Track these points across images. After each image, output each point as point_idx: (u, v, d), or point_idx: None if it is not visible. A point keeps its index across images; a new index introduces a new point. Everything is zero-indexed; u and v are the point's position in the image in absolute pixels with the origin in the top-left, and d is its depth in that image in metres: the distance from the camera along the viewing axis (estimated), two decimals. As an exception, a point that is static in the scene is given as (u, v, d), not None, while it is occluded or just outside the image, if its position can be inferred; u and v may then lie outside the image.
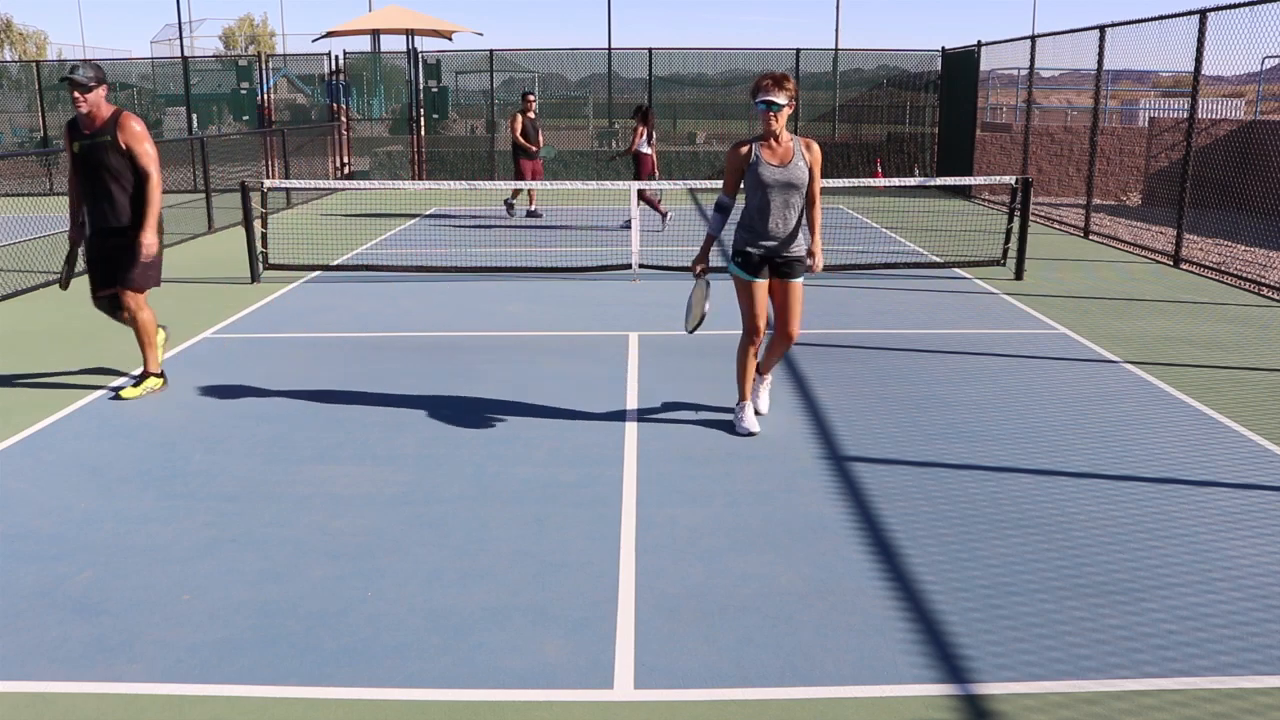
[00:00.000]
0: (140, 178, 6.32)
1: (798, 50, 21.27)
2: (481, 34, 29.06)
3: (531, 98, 15.39)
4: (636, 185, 11.28)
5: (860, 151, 21.34)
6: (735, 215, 5.67)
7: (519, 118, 15.05)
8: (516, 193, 15.75)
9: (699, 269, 5.67)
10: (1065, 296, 9.54)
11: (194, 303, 9.45)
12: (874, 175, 19.98)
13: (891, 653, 3.52)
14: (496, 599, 3.90)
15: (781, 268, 5.61)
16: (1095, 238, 13.44)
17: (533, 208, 15.75)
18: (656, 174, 14.49)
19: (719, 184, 10.87)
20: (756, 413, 5.96)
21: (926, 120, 21.37)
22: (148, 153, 6.31)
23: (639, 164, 14.05)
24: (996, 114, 23.34)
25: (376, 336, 8.10)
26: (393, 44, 30.38)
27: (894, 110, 21.88)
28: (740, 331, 5.78)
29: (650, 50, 21.50)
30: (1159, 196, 16.13)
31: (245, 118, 22.85)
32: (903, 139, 21.47)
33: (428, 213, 16.33)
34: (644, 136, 13.96)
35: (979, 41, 18.20)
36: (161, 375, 6.65)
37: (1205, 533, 4.44)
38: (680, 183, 11.18)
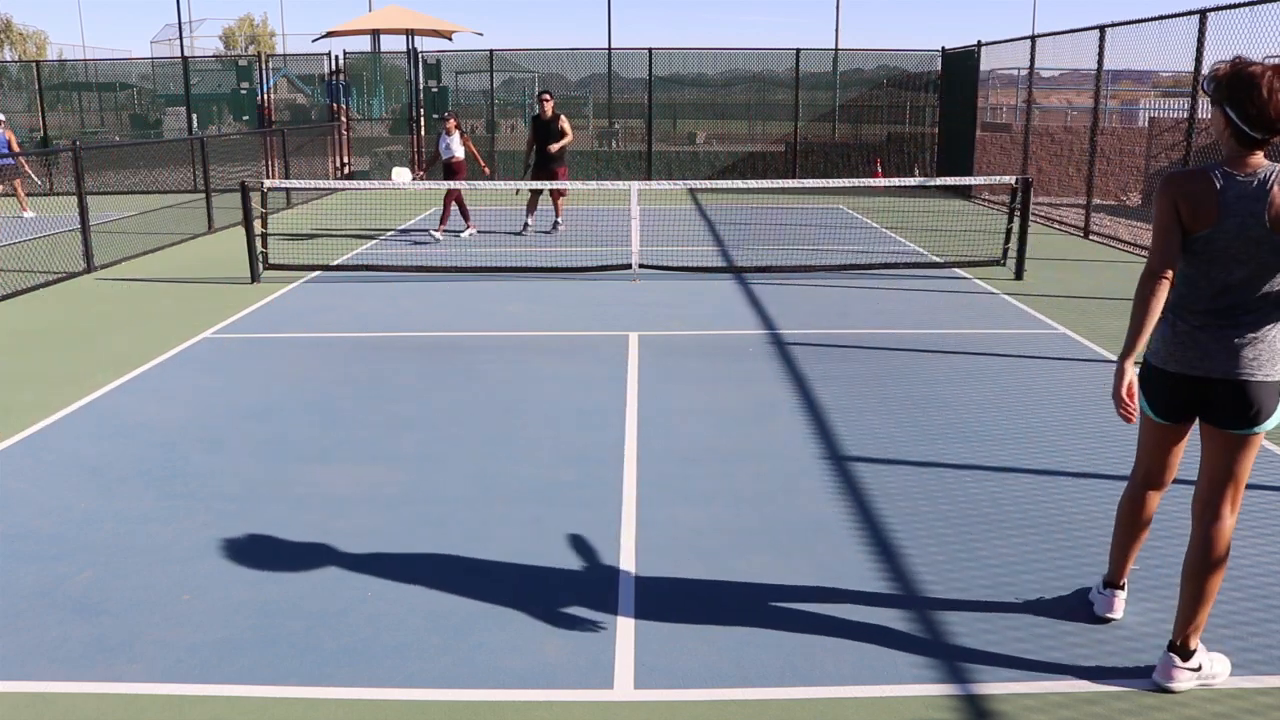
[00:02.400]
0: None
1: (798, 50, 21.26)
2: (481, 34, 29.08)
3: (547, 97, 13.66)
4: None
5: (860, 151, 21.33)
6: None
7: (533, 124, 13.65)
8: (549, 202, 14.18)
9: None
10: (1065, 296, 9.54)
11: (194, 303, 9.45)
12: (874, 175, 19.98)
13: (891, 653, 3.51)
14: (496, 599, 3.90)
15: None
16: (1095, 238, 13.44)
17: (529, 220, 14.11)
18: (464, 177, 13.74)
19: (721, 183, 11.00)
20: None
21: (926, 120, 21.36)
22: None
23: (455, 168, 13.57)
24: (996, 114, 23.33)
25: (376, 336, 8.10)
26: (393, 44, 30.40)
27: (894, 110, 21.88)
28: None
29: (650, 50, 21.49)
30: (1159, 197, 16.09)
31: (245, 118, 22.84)
32: (903, 139, 21.46)
33: (428, 213, 16.32)
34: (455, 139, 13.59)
35: (979, 41, 18.19)
36: None
37: (1205, 533, 4.43)
38: (680, 183, 11.18)
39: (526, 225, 14.06)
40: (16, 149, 17.15)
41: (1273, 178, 3.03)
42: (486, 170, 14.32)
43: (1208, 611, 3.27)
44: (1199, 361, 3.18)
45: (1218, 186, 3.07)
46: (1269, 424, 3.17)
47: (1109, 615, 3.72)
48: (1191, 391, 3.23)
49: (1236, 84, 2.98)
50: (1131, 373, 3.22)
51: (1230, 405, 3.17)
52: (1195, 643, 3.29)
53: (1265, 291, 3.10)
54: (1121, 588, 3.75)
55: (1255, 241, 3.04)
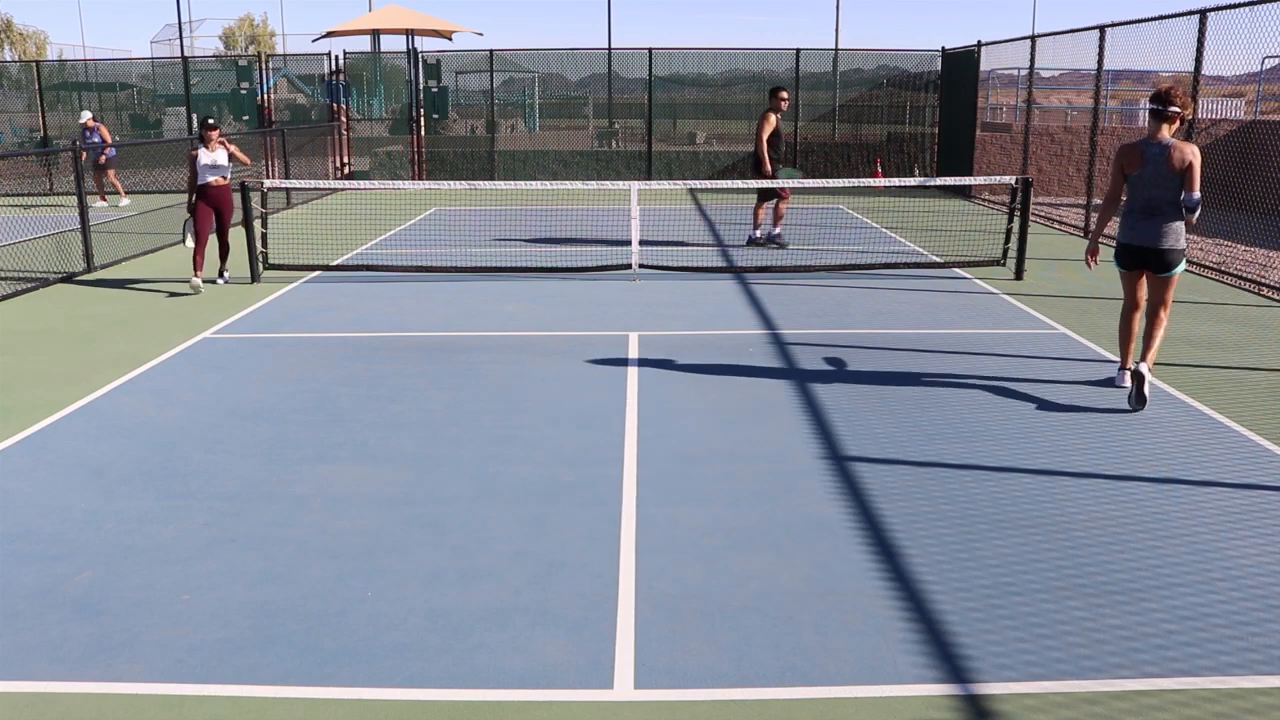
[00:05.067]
0: None
1: (798, 50, 21.26)
2: (481, 34, 29.07)
3: (785, 94, 12.16)
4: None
5: (860, 151, 21.33)
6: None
7: (772, 119, 11.94)
8: (762, 217, 12.54)
9: None
10: (1065, 296, 9.54)
11: (194, 303, 9.44)
12: (874, 175, 19.97)
13: (892, 653, 3.51)
14: (496, 599, 3.90)
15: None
16: (1095, 238, 13.43)
17: (777, 230, 12.45)
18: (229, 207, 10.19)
19: (721, 183, 10.98)
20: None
21: (926, 120, 21.37)
22: None
23: (219, 194, 10.12)
24: (996, 114, 23.32)
25: (376, 336, 8.10)
26: (393, 44, 30.39)
27: (894, 110, 21.87)
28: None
29: (650, 50, 21.50)
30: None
31: (245, 118, 22.84)
32: (903, 139, 21.46)
33: (427, 213, 16.34)
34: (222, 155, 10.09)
35: (979, 41, 18.19)
36: None
37: (1205, 533, 4.44)
38: (681, 183, 11.18)
39: (774, 235, 12.46)
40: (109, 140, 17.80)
41: (1170, 145, 6.06)
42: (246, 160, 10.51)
43: (1158, 348, 6.37)
44: (1138, 238, 6.21)
45: (1142, 149, 6.15)
46: (1177, 270, 6.21)
47: (1122, 385, 6.51)
48: (1137, 253, 6.26)
49: (1154, 93, 6.15)
50: (1094, 244, 6.66)
51: (1155, 261, 6.21)
52: (1151, 362, 6.27)
53: (1169, 200, 6.08)
54: (1127, 369, 6.46)
55: (1162, 176, 6.07)
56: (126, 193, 17.85)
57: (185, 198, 10.35)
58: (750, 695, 3.28)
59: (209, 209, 10.09)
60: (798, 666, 3.44)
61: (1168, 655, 3.48)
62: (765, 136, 11.90)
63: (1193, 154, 5.97)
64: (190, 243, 10.15)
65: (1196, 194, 6.00)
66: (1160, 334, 6.31)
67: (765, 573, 4.09)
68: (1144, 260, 6.20)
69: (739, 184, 10.70)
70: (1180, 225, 6.10)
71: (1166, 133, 6.06)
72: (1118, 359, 6.85)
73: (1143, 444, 5.56)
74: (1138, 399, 6.09)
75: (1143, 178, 6.10)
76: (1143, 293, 6.39)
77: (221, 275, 10.39)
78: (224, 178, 10.14)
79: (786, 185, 11.72)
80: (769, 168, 11.94)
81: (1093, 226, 6.13)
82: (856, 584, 4.00)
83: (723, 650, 3.53)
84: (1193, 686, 3.31)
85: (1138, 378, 6.09)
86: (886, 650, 3.53)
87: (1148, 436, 5.69)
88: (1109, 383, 6.65)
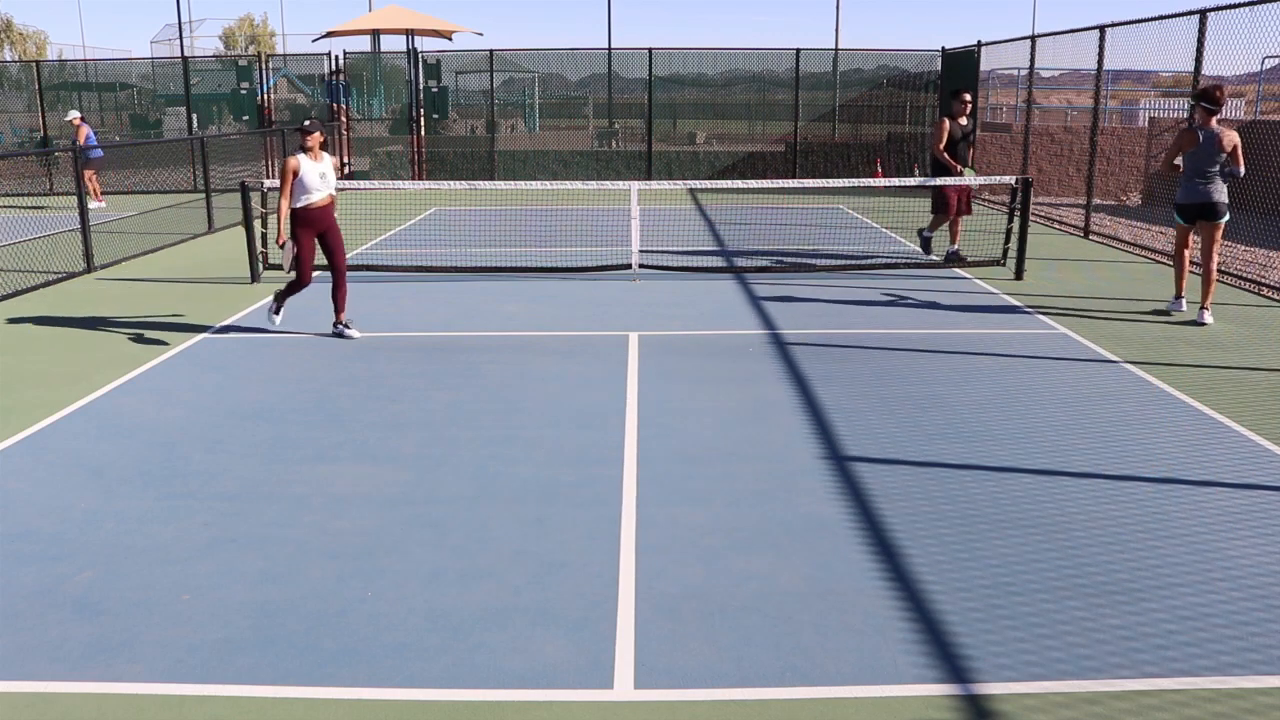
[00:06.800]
0: None
1: (798, 50, 21.25)
2: (481, 34, 29.07)
3: (967, 97, 11.23)
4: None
5: (860, 151, 21.33)
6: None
7: (947, 124, 11.14)
8: (935, 225, 11.74)
9: None
10: (1065, 296, 9.54)
11: (194, 303, 9.44)
12: (874, 175, 19.97)
13: (892, 653, 3.51)
14: (496, 599, 3.90)
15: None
16: (1095, 238, 13.43)
17: (954, 247, 11.38)
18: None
19: (720, 183, 10.99)
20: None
21: (926, 120, 21.35)
22: None
23: (324, 216, 7.86)
24: (996, 114, 23.31)
25: (376, 336, 8.10)
26: (393, 44, 30.37)
27: (894, 110, 21.86)
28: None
29: (650, 50, 21.49)
30: (1159, 196, 16.10)
31: (245, 118, 22.84)
32: (903, 139, 21.45)
33: (427, 213, 16.33)
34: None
35: (979, 41, 18.18)
36: None
37: (1205, 533, 4.44)
38: (680, 183, 11.18)
39: (929, 243, 11.92)
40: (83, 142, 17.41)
41: (1218, 131, 8.24)
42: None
43: (1213, 288, 8.45)
44: (1197, 197, 8.37)
45: (1197, 133, 8.28)
46: (1223, 219, 8.36)
47: (1177, 310, 8.70)
48: (1194, 209, 8.42)
49: (1200, 92, 8.45)
50: (1169, 165, 8.61)
51: (1207, 212, 8.37)
52: (1209, 304, 8.41)
53: (1216, 170, 8.28)
54: (1183, 297, 8.73)
55: (1212, 153, 8.25)
56: (128, 193, 17.86)
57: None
58: (750, 695, 3.28)
59: (313, 234, 7.79)
60: (798, 666, 3.44)
61: (1168, 655, 3.49)
62: (940, 146, 11.11)
63: (1235, 137, 8.25)
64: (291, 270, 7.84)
65: (1241, 168, 8.27)
66: (1213, 278, 8.42)
67: (765, 573, 4.09)
68: (1201, 213, 8.36)
69: (739, 184, 10.70)
70: (1224, 186, 8.32)
71: (1213, 121, 8.28)
72: (1117, 357, 7.30)
73: (1142, 444, 5.56)
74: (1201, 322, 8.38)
75: (1197, 154, 8.28)
76: (1192, 239, 8.63)
77: (341, 325, 8.04)
78: (332, 194, 7.88)
79: (968, 182, 11.06)
80: (958, 170, 11.12)
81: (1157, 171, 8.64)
82: (856, 584, 4.00)
83: (723, 650, 3.53)
84: (1193, 686, 3.31)
85: (1203, 313, 8.43)
86: (886, 650, 3.53)
87: (1148, 436, 5.69)
88: (1165, 312, 8.69)
